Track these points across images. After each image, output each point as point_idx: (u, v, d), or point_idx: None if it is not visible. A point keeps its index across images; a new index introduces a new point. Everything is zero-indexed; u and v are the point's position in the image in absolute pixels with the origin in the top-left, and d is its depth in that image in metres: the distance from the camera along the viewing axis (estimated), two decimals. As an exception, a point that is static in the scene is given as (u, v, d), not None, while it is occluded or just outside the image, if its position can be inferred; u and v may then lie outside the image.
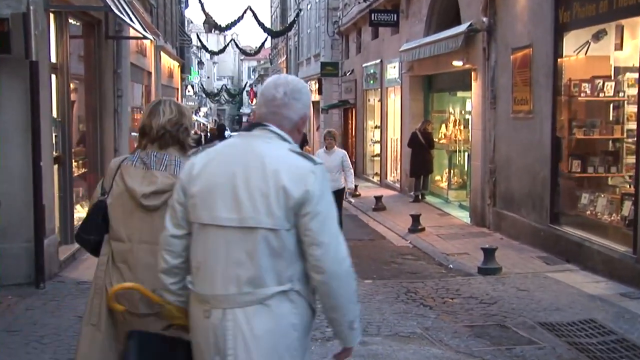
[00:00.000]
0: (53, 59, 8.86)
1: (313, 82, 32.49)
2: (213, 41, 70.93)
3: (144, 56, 17.17)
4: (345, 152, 11.54)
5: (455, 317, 6.66)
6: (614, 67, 9.17)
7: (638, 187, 7.71)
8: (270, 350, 2.44)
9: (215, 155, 2.61)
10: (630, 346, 5.78)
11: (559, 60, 9.56)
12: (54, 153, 8.82)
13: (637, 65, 8.11)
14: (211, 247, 2.51)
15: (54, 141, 8.81)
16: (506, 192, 11.34)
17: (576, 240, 8.94)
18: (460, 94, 15.31)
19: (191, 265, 2.60)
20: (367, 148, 23.11)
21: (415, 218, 12.06)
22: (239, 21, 32.47)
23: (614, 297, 7.27)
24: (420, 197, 15.83)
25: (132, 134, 16.57)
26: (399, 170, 18.73)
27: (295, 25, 36.07)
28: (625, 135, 8.89)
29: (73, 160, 9.92)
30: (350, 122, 25.72)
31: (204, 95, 66.64)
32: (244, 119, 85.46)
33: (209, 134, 38.99)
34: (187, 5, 37.51)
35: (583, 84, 9.28)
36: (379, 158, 21.12)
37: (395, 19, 17.89)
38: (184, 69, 30.78)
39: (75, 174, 10.11)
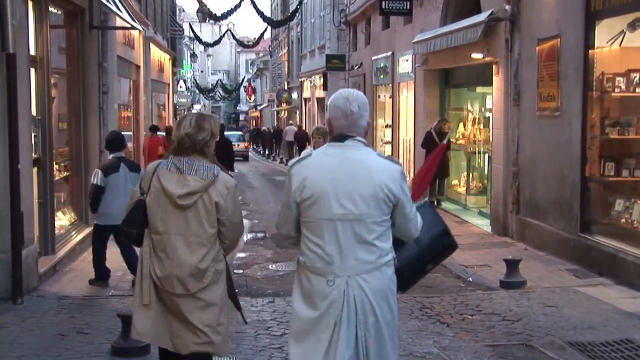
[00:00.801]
0: (32, 51, 8.87)
1: (317, 76, 32.56)
2: (207, 32, 71.12)
3: (131, 48, 17.22)
4: None
5: (476, 336, 6.63)
6: (652, 60, 9.16)
7: (678, 192, 7.68)
8: (383, 298, 3.62)
9: (320, 165, 3.64)
10: (671, 369, 5.75)
11: (590, 51, 9.53)
12: (33, 155, 8.83)
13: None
14: (328, 237, 3.57)
15: (33, 142, 8.82)
16: (531, 197, 11.31)
17: (609, 251, 8.90)
18: (479, 89, 15.28)
19: (305, 249, 3.66)
20: (377, 149, 23.10)
21: (431, 226, 12.00)
22: (235, 9, 32.58)
23: (653, 314, 7.24)
24: (435, 203, 15.80)
25: (123, 133, 16.64)
26: (412, 174, 18.72)
27: (297, 14, 36.15)
28: (663, 135, 8.87)
29: (54, 163, 9.93)
30: (358, 120, 25.76)
31: (197, 91, 66.84)
32: (242, 117, 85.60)
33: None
34: (178, -7, 37.64)
35: (617, 78, 9.25)
36: (390, 160, 21.11)
37: (408, 7, 17.86)
38: (176, 63, 30.90)
39: (57, 178, 10.13)
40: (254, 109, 72.92)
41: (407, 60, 18.45)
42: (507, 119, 12.06)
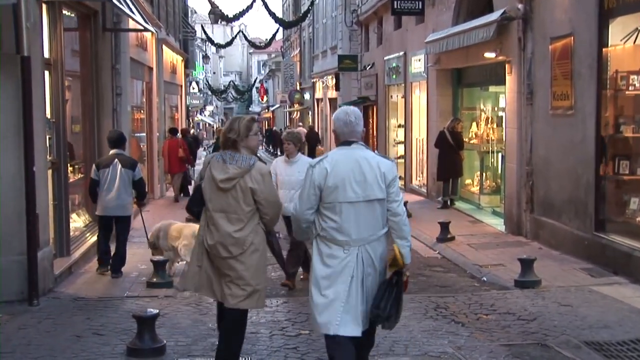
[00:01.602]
0: (46, 54, 8.93)
1: (330, 77, 32.53)
2: (219, 33, 71.26)
3: (144, 50, 17.27)
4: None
5: (491, 335, 6.63)
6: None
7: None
8: (382, 259, 5.00)
9: (337, 161, 4.89)
10: (688, 368, 5.72)
11: (604, 50, 9.50)
12: (48, 157, 8.89)
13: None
14: (345, 215, 4.84)
15: (47, 144, 8.87)
16: (545, 197, 11.28)
17: (625, 250, 8.86)
18: (492, 88, 15.25)
19: (325, 226, 4.91)
20: (390, 149, 23.07)
21: (444, 226, 12.02)
22: (247, 11, 32.53)
23: (669, 313, 7.21)
24: (449, 202, 15.77)
25: (137, 134, 16.71)
26: (425, 174, 18.68)
27: (309, 15, 36.11)
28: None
29: (68, 165, 9.98)
30: (371, 121, 25.68)
31: (209, 93, 66.91)
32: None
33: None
34: (190, -6, 37.68)
35: (631, 77, 9.22)
36: (403, 160, 21.05)
37: (420, 6, 17.83)
38: (188, 64, 30.92)
39: (71, 180, 10.18)
40: (267, 110, 72.94)
41: (419, 60, 18.43)
42: (520, 118, 12.03)
